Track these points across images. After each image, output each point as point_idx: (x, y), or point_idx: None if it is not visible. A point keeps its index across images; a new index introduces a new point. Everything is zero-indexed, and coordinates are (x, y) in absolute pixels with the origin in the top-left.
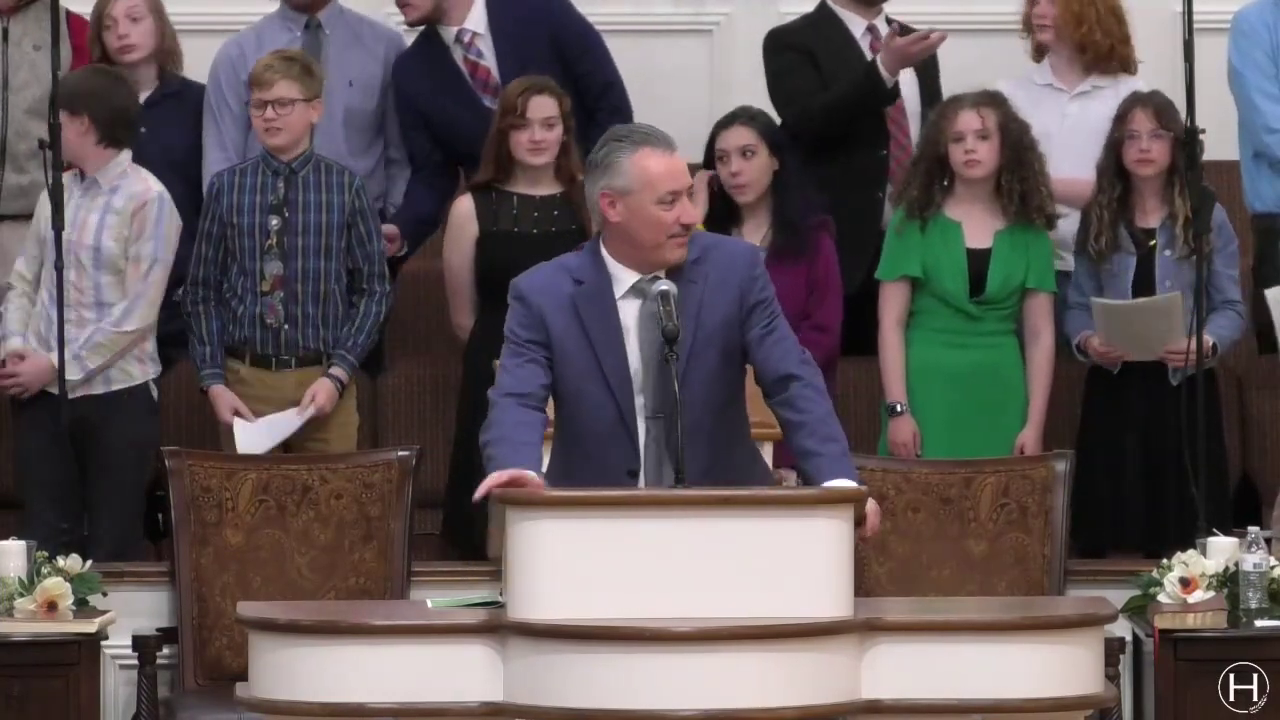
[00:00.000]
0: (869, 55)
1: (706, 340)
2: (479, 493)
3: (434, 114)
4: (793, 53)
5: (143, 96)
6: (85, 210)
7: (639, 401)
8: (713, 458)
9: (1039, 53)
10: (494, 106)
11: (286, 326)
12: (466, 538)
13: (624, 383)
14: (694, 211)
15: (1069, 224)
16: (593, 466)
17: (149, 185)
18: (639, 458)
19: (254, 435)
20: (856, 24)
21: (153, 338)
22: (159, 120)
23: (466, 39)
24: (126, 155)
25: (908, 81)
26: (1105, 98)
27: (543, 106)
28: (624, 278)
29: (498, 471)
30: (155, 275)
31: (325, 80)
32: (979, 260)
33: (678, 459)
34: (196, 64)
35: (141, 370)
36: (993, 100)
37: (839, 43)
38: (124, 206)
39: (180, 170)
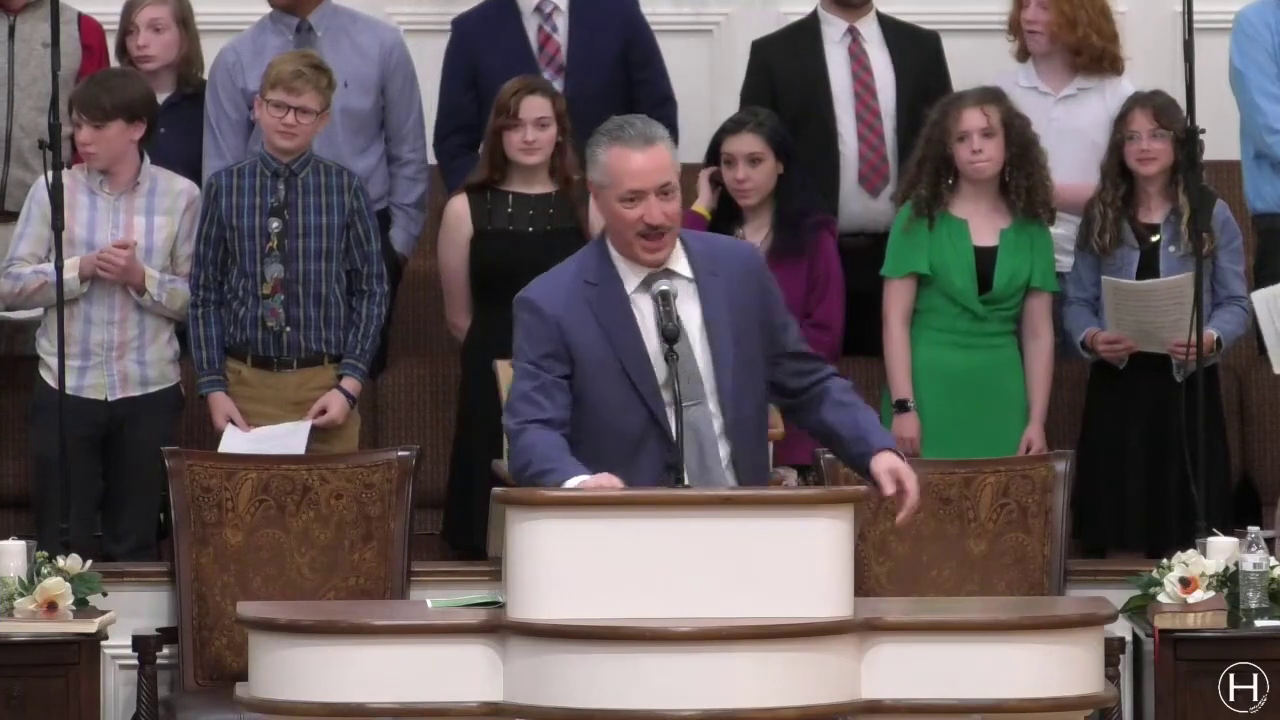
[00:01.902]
0: (843, 61)
1: (743, 330)
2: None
3: (488, 74)
4: (753, 77)
5: (161, 98)
6: (126, 213)
7: (665, 396)
8: (753, 448)
9: (1023, 54)
10: (552, 81)
11: (288, 329)
12: (467, 538)
13: (648, 379)
14: (658, 213)
15: (1064, 228)
16: (625, 469)
17: (185, 182)
18: (678, 451)
19: (241, 444)
20: (837, 28)
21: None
22: (176, 122)
23: (548, 9)
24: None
25: (885, 83)
26: (1091, 100)
27: (535, 106)
28: (632, 274)
29: (582, 478)
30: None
31: None
32: (985, 258)
33: (679, 460)
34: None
35: (174, 371)
36: (995, 97)
37: (806, 59)
38: (172, 205)
39: (196, 172)
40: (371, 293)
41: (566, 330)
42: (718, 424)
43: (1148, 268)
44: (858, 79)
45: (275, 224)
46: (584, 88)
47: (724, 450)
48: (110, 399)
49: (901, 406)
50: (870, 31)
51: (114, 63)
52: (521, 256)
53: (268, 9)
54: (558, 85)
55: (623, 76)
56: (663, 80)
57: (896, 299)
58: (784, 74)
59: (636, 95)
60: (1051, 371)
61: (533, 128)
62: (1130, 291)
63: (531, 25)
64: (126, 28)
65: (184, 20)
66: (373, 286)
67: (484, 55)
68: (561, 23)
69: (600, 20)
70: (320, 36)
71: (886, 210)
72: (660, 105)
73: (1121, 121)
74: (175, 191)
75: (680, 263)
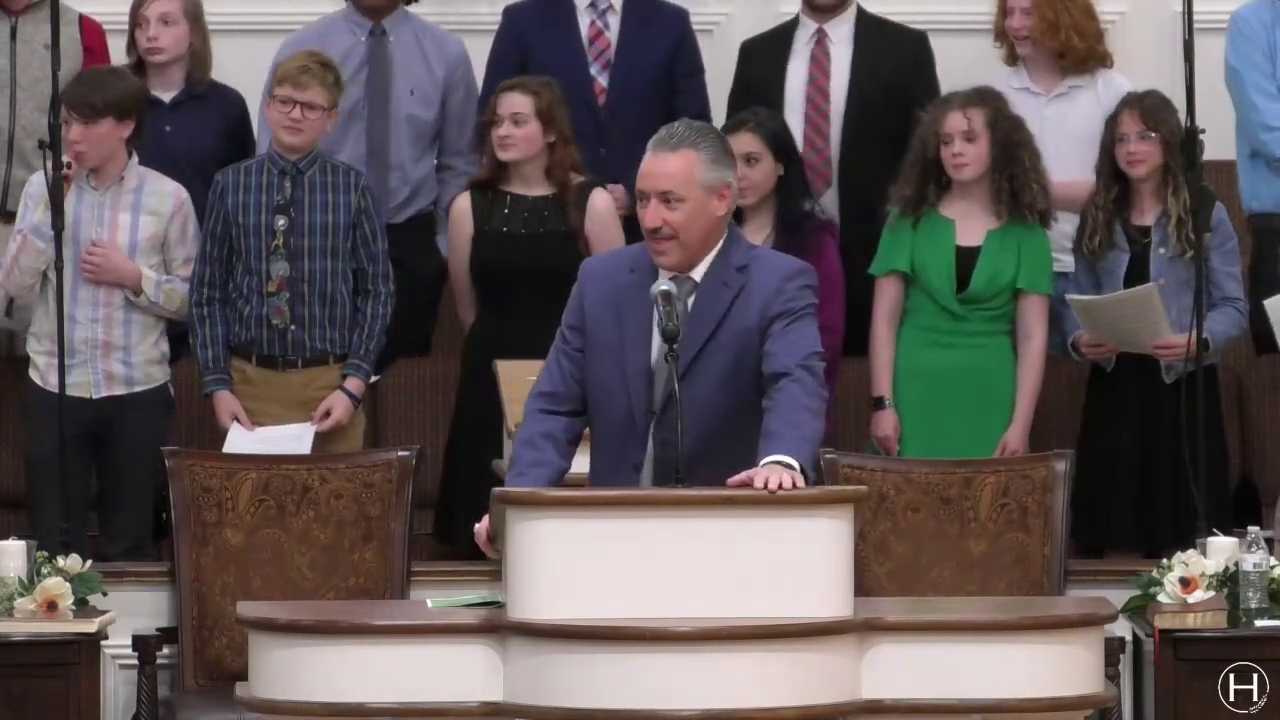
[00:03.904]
0: (803, 63)
1: (720, 345)
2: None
3: (536, 64)
4: (737, 79)
5: (167, 97)
6: (111, 209)
7: (655, 396)
8: (705, 460)
9: (1012, 57)
10: (597, 77)
11: (293, 327)
12: (456, 535)
13: (639, 376)
14: (653, 217)
15: (1065, 226)
16: (609, 459)
17: (174, 184)
18: (644, 452)
19: (246, 444)
20: (808, 30)
21: (165, 340)
22: (183, 121)
23: (602, 6)
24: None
25: (841, 84)
26: (1083, 98)
27: (512, 103)
28: (663, 272)
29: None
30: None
31: (390, 88)
32: (967, 258)
33: (675, 458)
34: (228, 64)
35: (161, 371)
36: (981, 99)
37: (773, 62)
38: (158, 206)
39: (201, 171)
40: (377, 292)
41: (588, 308)
42: (681, 430)
43: (1139, 270)
44: (813, 81)
45: (281, 221)
46: (626, 85)
47: (692, 460)
48: (95, 397)
49: (879, 404)
50: (841, 33)
51: (123, 57)
52: (515, 258)
53: (283, 10)
54: (603, 80)
55: (665, 83)
56: (702, 98)
57: (882, 298)
58: (756, 76)
59: (676, 104)
60: (1040, 374)
61: (508, 123)
62: (1096, 306)
63: (584, 20)
64: (136, 21)
65: (194, 15)
66: (378, 286)
67: (534, 45)
68: (614, 21)
69: (652, 26)
70: (392, 42)
71: (828, 212)
72: (694, 118)
73: (1112, 123)
74: (163, 193)
75: (701, 270)
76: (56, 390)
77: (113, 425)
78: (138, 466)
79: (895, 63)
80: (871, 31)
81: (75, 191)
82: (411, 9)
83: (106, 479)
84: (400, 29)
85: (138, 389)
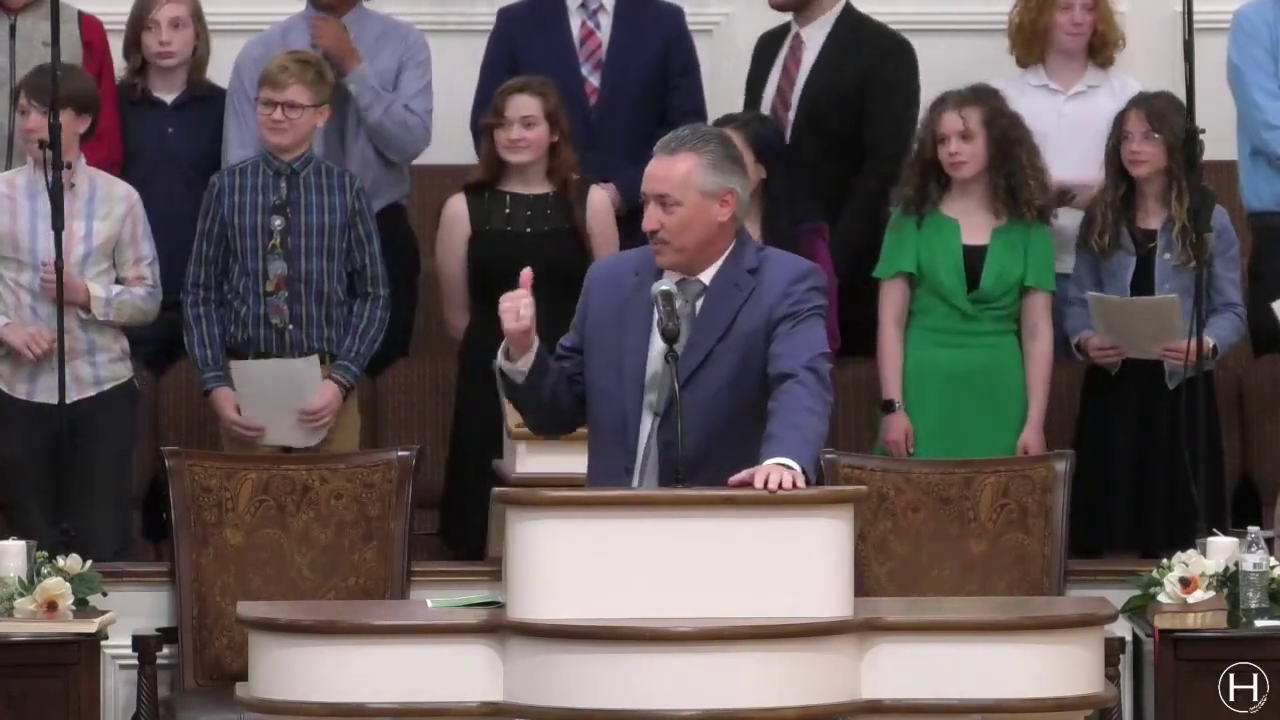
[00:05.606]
0: (779, 67)
1: (728, 347)
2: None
3: (527, 65)
4: (749, 75)
5: (169, 98)
6: (66, 216)
7: (648, 398)
8: (708, 463)
9: (1029, 55)
10: (588, 77)
11: (291, 327)
12: (463, 537)
13: (635, 378)
14: (649, 219)
15: (1067, 225)
16: (602, 462)
17: (124, 186)
18: (634, 455)
19: (254, 376)
20: (791, 32)
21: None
22: (184, 122)
23: (593, 7)
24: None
25: (799, 91)
26: (1100, 95)
27: (521, 105)
28: (667, 274)
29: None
30: (157, 270)
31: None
32: (975, 256)
33: (676, 459)
34: (227, 65)
35: (125, 368)
36: (977, 98)
37: (760, 65)
38: (110, 210)
39: (203, 172)
40: (375, 296)
41: (591, 313)
42: (682, 431)
43: (1144, 275)
44: (779, 91)
45: (278, 221)
46: (618, 85)
47: (695, 463)
48: (66, 402)
49: (888, 407)
50: (816, 37)
51: (123, 60)
52: (518, 257)
53: (277, 10)
54: (594, 80)
55: (659, 81)
56: (696, 97)
57: (889, 300)
58: (753, 77)
59: (669, 102)
60: (1050, 372)
61: (518, 126)
62: (1114, 306)
63: (575, 21)
64: (143, 24)
65: (199, 17)
66: (376, 289)
67: (526, 46)
68: (605, 21)
69: (644, 24)
70: (353, 38)
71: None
72: (687, 116)
73: (1119, 121)
74: (114, 197)
75: (710, 274)
76: (23, 397)
77: (83, 426)
78: (115, 464)
79: (862, 66)
80: (844, 36)
81: (28, 197)
82: (406, 8)
83: (82, 480)
84: (359, 24)
85: (106, 387)
